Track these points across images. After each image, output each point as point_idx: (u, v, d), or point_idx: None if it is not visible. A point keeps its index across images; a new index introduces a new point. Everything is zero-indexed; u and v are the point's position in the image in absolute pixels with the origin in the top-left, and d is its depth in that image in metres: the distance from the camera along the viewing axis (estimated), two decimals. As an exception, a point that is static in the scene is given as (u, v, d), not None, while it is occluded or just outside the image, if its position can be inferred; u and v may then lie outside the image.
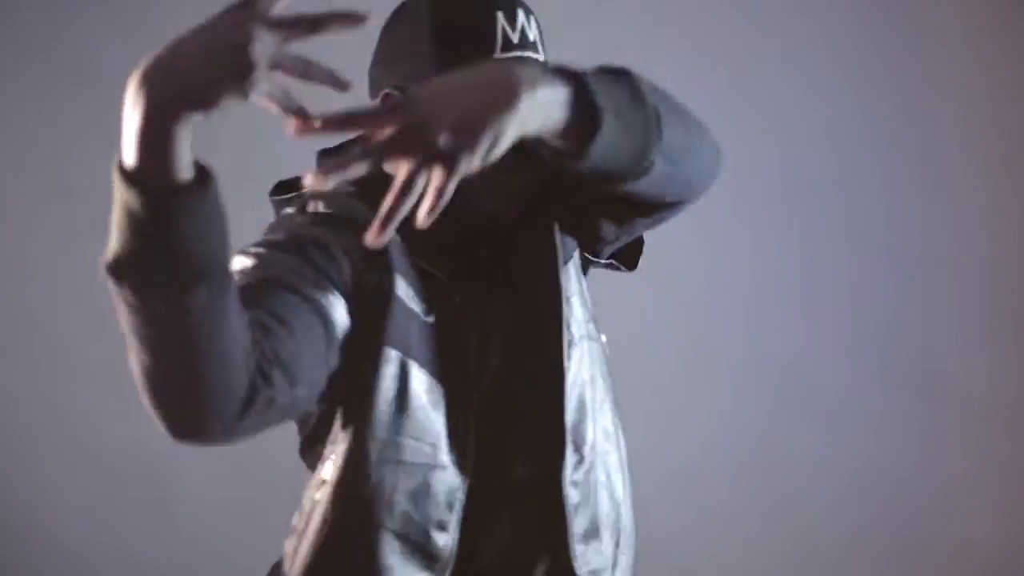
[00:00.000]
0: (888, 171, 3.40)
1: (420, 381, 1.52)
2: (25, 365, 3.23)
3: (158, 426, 1.26)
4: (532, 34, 1.57)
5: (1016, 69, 3.44)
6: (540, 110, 1.23)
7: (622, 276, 1.74)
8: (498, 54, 1.53)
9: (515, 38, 1.55)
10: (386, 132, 1.16)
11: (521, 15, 1.56)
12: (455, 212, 1.34)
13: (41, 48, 3.21)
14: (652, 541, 2.00)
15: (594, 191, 1.40)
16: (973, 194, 3.44)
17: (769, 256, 3.39)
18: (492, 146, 1.19)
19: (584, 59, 1.37)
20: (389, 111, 1.17)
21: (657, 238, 1.69)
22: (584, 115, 1.27)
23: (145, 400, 1.24)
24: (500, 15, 1.54)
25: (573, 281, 1.64)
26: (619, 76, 1.33)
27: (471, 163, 1.18)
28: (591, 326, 1.66)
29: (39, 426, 3.22)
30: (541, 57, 1.58)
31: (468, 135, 1.17)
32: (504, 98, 1.20)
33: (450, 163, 1.17)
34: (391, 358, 1.50)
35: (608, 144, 1.29)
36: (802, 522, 3.36)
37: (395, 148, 1.16)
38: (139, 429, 3.27)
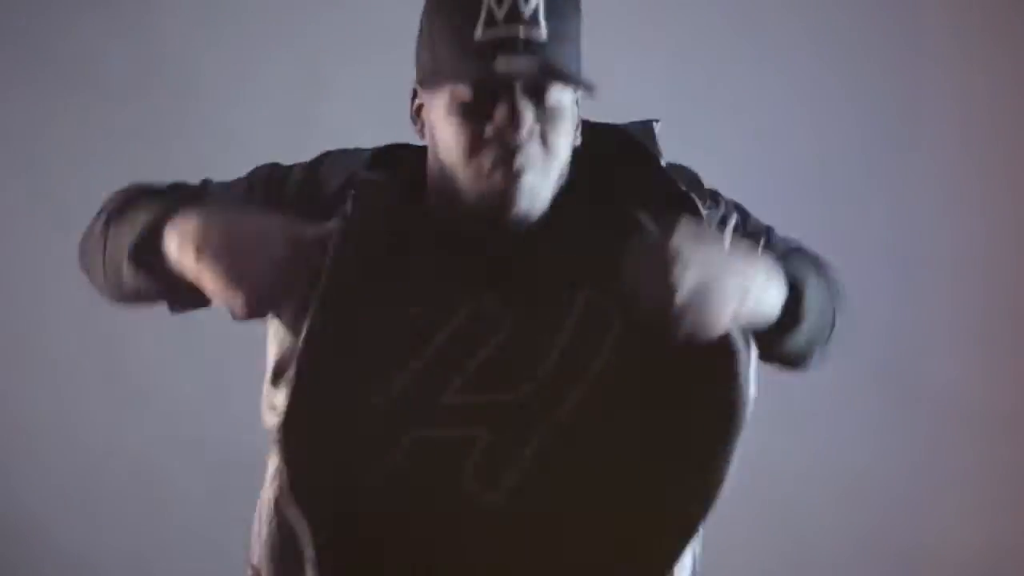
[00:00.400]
0: (885, 171, 3.39)
1: None
2: (24, 366, 3.23)
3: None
4: (531, 6, 1.43)
5: (1016, 69, 3.44)
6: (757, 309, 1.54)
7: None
8: (480, 31, 1.43)
9: (500, 14, 1.42)
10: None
11: None
12: None
13: (41, 48, 3.21)
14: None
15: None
16: (972, 194, 3.43)
17: (768, 256, 3.37)
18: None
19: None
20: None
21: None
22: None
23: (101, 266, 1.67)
24: None
25: None
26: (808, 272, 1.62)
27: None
28: None
29: (39, 426, 3.21)
30: (543, 33, 1.44)
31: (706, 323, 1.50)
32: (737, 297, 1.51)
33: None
34: None
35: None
36: (797, 525, 3.35)
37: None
38: (139, 430, 3.27)
